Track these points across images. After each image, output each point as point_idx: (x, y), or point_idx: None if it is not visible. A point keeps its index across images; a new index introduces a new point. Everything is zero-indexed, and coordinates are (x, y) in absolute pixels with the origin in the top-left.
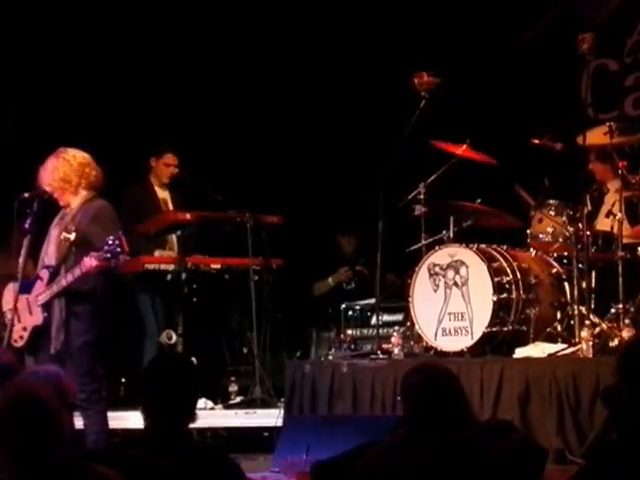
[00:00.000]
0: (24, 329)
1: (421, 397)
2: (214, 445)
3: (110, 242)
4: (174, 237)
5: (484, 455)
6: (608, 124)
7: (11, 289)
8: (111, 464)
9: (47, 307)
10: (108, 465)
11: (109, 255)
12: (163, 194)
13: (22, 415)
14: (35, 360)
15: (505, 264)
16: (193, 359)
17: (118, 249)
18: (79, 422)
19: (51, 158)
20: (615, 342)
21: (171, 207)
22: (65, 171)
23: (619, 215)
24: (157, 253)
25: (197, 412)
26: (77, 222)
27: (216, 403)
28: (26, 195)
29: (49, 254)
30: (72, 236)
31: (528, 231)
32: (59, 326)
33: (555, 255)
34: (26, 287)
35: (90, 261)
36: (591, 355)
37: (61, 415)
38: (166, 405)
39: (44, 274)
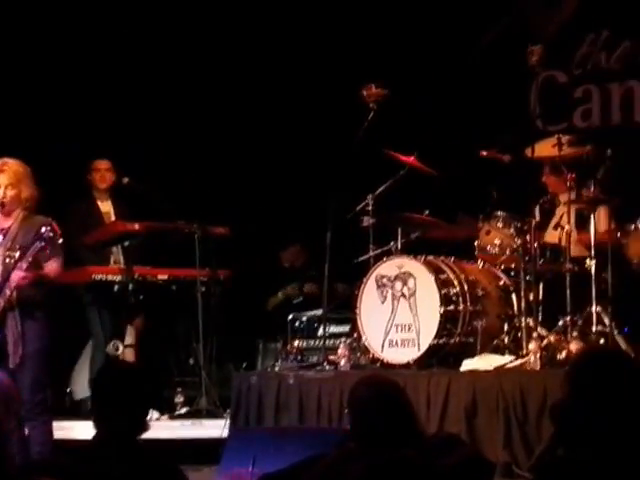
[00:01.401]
0: None
1: (368, 410)
2: (163, 455)
3: (42, 230)
4: (119, 249)
5: (431, 469)
6: (557, 136)
7: None
8: (56, 475)
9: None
10: (53, 476)
11: (43, 243)
12: (105, 207)
13: None
14: None
15: (452, 276)
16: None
17: (50, 234)
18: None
19: (14, 165)
20: (563, 355)
21: (113, 219)
22: (32, 185)
23: (567, 227)
24: None
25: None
26: (20, 240)
27: (162, 414)
28: None
29: None
30: (17, 254)
31: (475, 243)
32: (16, 340)
33: (502, 267)
34: None
35: (17, 274)
36: (538, 367)
37: (7, 427)
38: (115, 414)
39: None
